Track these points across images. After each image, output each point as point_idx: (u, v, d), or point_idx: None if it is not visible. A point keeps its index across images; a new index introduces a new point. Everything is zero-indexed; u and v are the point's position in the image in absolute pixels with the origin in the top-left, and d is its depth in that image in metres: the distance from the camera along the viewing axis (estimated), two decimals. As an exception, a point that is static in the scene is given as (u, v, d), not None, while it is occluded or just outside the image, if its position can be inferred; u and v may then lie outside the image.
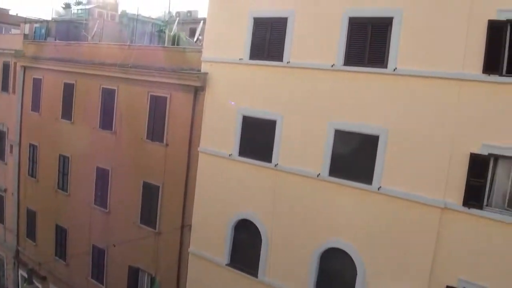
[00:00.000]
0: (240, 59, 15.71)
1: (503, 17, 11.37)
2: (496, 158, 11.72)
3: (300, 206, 14.46)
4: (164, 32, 26.62)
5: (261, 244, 15.42)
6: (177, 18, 26.38)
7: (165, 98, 18.19)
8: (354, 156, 13.54)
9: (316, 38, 14.10)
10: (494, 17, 11.46)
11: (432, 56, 12.25)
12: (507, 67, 11.60)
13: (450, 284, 12.11)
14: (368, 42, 13.21)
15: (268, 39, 15.21)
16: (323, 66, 13.84)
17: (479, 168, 11.76)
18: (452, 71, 11.97)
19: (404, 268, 12.75)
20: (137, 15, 29.15)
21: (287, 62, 14.58)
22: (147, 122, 18.97)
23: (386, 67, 12.85)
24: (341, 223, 13.72)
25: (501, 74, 11.51)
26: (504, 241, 11.46)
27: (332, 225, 13.90)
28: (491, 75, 11.54)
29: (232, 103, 15.71)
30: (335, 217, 13.82)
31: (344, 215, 13.65)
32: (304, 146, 14.34)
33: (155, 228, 18.69)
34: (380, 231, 13.08)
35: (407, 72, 12.53)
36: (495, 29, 11.47)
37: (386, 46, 12.90)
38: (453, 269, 12.08)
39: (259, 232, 15.48)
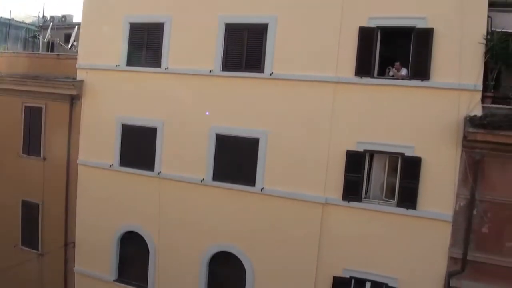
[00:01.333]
0: (116, 65, 15.13)
1: (373, 24, 12.28)
2: (371, 154, 12.59)
3: (186, 213, 14.29)
4: (38, 38, 25.00)
5: (148, 256, 14.98)
6: (51, 23, 24.90)
7: (41, 108, 17.02)
8: (237, 160, 13.68)
9: (194, 43, 14.03)
10: (365, 24, 12.31)
11: (308, 61, 12.82)
12: (378, 70, 12.56)
13: (336, 275, 12.75)
14: (245, 48, 13.45)
15: (146, 45, 14.84)
16: (201, 71, 13.82)
17: (356, 164, 12.54)
18: (327, 75, 12.64)
19: (292, 264, 13.16)
20: (10, 19, 26.98)
21: (166, 68, 14.34)
22: (22, 135, 17.58)
23: (263, 71, 13.18)
24: (228, 226, 13.79)
25: (372, 77, 12.41)
26: (383, 229, 12.35)
27: (219, 230, 13.92)
28: (363, 77, 12.39)
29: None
30: (222, 221, 13.86)
31: (230, 219, 13.74)
32: (186, 152, 14.20)
33: (37, 249, 17.39)
34: (265, 231, 13.36)
35: (283, 76, 12.97)
36: (366, 35, 12.34)
37: (262, 52, 13.23)
38: (338, 260, 12.76)
39: (146, 243, 15.02)
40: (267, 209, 13.31)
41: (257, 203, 13.39)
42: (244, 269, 13.68)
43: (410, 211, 12.14)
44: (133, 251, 15.40)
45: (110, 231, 15.51)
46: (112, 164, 15.32)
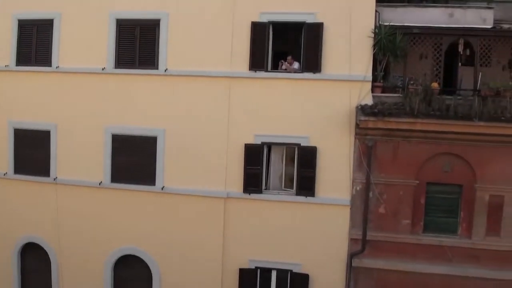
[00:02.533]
0: (6, 65, 14.14)
1: (265, 19, 12.43)
2: (269, 146, 12.79)
3: (86, 219, 13.71)
4: None
5: (50, 266, 14.23)
6: None
7: None
8: (135, 160, 13.32)
9: (85, 41, 13.43)
10: (257, 19, 12.43)
11: (202, 56, 12.74)
12: (272, 64, 12.75)
13: (242, 267, 12.88)
14: (137, 45, 13.09)
15: (35, 43, 13.97)
16: (94, 70, 13.29)
17: (254, 157, 12.69)
18: (222, 70, 12.64)
19: (198, 261, 13.11)
20: None
21: (56, 67, 13.62)
22: None
23: (157, 68, 12.93)
24: (130, 228, 13.43)
25: (266, 70, 12.60)
26: (284, 218, 12.67)
27: (122, 233, 13.52)
28: (257, 71, 12.54)
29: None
30: (124, 224, 13.48)
31: (132, 220, 13.40)
32: (82, 155, 13.62)
33: None
34: (169, 230, 13.19)
35: (178, 72, 12.81)
36: (258, 30, 12.46)
37: (155, 48, 12.96)
38: (243, 252, 12.90)
39: (46, 253, 14.24)
40: (169, 208, 13.14)
41: (158, 203, 13.17)
42: (150, 270, 13.41)
43: (309, 199, 12.53)
44: (35, 263, 14.54)
45: (7, 244, 14.54)
46: (6, 173, 14.36)
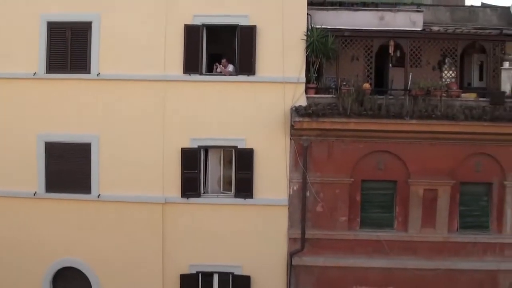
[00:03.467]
0: None
1: (198, 21, 12.43)
2: (206, 149, 12.79)
3: (20, 231, 13.05)
4: None
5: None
6: None
7: None
8: (70, 168, 12.91)
9: (16, 44, 12.89)
10: (190, 22, 12.41)
11: (135, 60, 12.56)
12: (206, 66, 12.76)
13: (183, 272, 12.74)
14: (69, 48, 12.74)
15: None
16: (25, 75, 12.79)
17: (191, 160, 12.63)
18: (156, 73, 12.52)
19: (138, 269, 12.83)
20: None
21: (-18, 73, 13.02)
22: None
23: (89, 72, 12.65)
24: (68, 239, 12.95)
25: (201, 73, 12.60)
26: (224, 220, 12.66)
27: (59, 244, 13.00)
28: (192, 74, 12.51)
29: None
30: (61, 235, 12.96)
31: (69, 231, 12.92)
32: (15, 165, 13.00)
33: None
34: (107, 239, 12.86)
35: (111, 76, 12.58)
36: (192, 33, 12.44)
37: (87, 52, 12.68)
38: (184, 257, 12.77)
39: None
40: (106, 216, 12.82)
41: (95, 211, 12.82)
42: (89, 282, 13.03)
43: (248, 200, 12.59)
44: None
45: None
46: None
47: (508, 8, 17.46)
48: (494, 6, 17.89)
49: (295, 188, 12.62)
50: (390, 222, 12.89)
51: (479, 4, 18.19)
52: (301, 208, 12.62)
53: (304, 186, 12.55)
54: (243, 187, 12.55)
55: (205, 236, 12.65)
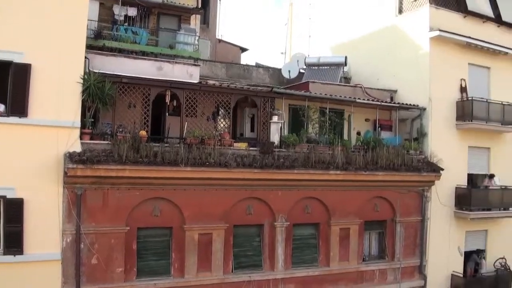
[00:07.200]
0: None
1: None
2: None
3: None
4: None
5: None
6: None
7: None
8: None
9: None
10: None
11: None
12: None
13: None
14: None
15: None
16: None
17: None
18: None
19: None
20: None
21: None
22: None
23: None
24: None
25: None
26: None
27: None
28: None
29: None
30: None
31: None
32: None
33: None
34: None
35: None
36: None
37: None
38: None
39: None
40: None
41: None
42: None
43: (18, 257, 11.33)
44: None
45: None
46: None
47: (279, 69, 19.99)
48: (267, 66, 20.33)
49: (68, 240, 11.81)
50: (166, 269, 12.97)
51: (254, 64, 20.43)
52: (75, 261, 11.84)
53: (78, 237, 11.84)
54: (13, 242, 11.29)
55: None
